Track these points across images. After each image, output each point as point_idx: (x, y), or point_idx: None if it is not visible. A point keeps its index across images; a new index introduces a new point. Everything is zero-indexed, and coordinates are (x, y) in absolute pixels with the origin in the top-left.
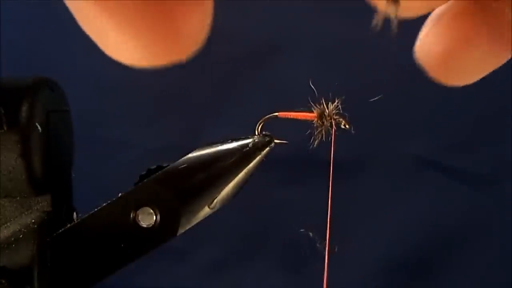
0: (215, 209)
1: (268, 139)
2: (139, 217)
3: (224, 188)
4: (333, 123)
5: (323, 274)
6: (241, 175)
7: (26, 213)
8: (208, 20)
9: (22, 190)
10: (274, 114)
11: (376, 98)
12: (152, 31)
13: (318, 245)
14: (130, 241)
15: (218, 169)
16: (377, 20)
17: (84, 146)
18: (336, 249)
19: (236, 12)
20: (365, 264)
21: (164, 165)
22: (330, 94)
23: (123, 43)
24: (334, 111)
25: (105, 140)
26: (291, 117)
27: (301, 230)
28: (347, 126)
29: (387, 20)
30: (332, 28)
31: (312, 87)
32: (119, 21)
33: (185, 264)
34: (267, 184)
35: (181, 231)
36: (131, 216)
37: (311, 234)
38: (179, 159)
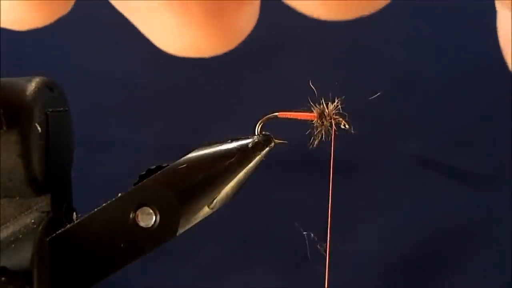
0: (215, 209)
1: (268, 139)
2: (139, 217)
3: (224, 188)
4: (333, 123)
5: (323, 274)
6: (241, 175)
7: (26, 213)
8: (255, 15)
9: (22, 190)
10: (274, 114)
11: (375, 95)
12: (204, 23)
13: (318, 246)
14: (130, 241)
15: (218, 169)
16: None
17: (84, 146)
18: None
19: None
20: (365, 264)
21: (164, 165)
22: (330, 94)
23: (172, 32)
24: (334, 111)
25: (105, 140)
26: (291, 117)
27: (305, 233)
28: (347, 126)
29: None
30: (332, 28)
31: (312, 87)
32: (173, 11)
33: (185, 264)
34: (267, 184)
35: (181, 231)
36: (131, 216)
37: (312, 234)
38: (179, 159)
